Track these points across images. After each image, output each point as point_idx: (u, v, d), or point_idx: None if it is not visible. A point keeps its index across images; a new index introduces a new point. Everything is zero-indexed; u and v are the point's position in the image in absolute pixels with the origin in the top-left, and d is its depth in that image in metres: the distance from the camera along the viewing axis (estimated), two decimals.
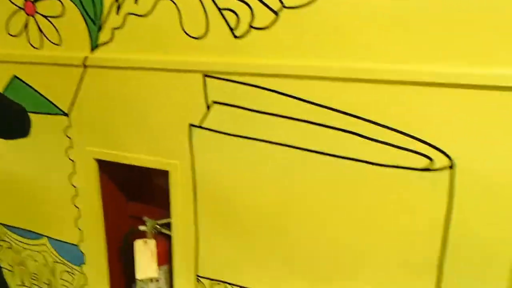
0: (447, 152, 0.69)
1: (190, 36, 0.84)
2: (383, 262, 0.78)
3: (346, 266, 0.81)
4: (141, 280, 1.06)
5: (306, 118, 0.77)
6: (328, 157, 0.77)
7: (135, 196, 1.16)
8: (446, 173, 0.69)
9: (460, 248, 0.71)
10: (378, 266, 0.79)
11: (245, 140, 0.84)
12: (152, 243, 1.05)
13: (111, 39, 0.93)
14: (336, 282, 0.83)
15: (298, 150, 0.80)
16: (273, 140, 0.82)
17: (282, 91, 0.78)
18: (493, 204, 0.68)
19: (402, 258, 0.76)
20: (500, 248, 0.69)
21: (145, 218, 1.07)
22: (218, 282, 0.95)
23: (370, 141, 0.73)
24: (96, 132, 1.02)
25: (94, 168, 1.05)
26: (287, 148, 0.80)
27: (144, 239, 1.05)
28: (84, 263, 1.15)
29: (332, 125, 0.75)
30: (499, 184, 0.67)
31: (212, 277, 0.96)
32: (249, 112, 0.82)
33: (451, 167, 0.69)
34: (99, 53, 0.95)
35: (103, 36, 0.94)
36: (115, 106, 0.97)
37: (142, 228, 1.06)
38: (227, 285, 0.94)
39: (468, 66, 0.65)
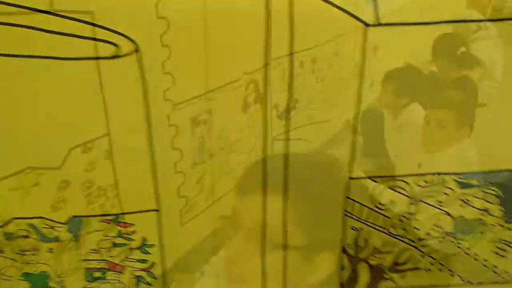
0: (132, 38, 0.73)
1: None
2: None
3: None
4: None
5: None
6: (16, 58, 0.76)
7: None
8: (133, 57, 0.74)
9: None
10: None
11: None
12: None
13: None
14: None
15: None
16: None
17: None
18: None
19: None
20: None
21: None
22: None
23: (57, 36, 0.74)
24: None
25: None
26: None
27: None
28: None
29: (13, 23, 0.74)
30: None
31: None
32: None
33: (137, 50, 0.73)
34: None
35: None
36: None
37: None
38: None
39: None
